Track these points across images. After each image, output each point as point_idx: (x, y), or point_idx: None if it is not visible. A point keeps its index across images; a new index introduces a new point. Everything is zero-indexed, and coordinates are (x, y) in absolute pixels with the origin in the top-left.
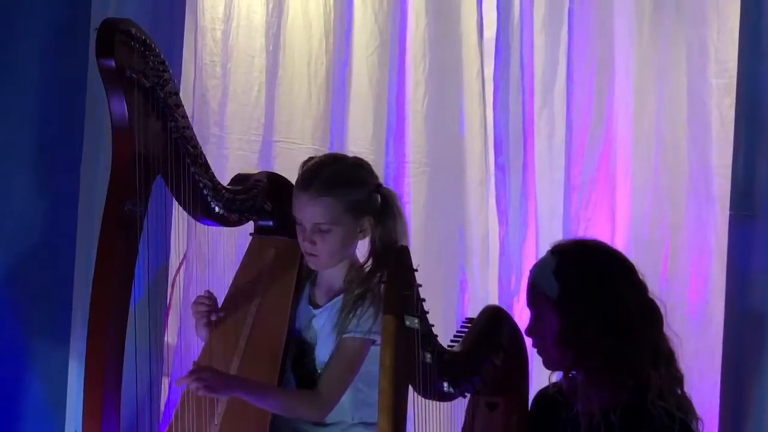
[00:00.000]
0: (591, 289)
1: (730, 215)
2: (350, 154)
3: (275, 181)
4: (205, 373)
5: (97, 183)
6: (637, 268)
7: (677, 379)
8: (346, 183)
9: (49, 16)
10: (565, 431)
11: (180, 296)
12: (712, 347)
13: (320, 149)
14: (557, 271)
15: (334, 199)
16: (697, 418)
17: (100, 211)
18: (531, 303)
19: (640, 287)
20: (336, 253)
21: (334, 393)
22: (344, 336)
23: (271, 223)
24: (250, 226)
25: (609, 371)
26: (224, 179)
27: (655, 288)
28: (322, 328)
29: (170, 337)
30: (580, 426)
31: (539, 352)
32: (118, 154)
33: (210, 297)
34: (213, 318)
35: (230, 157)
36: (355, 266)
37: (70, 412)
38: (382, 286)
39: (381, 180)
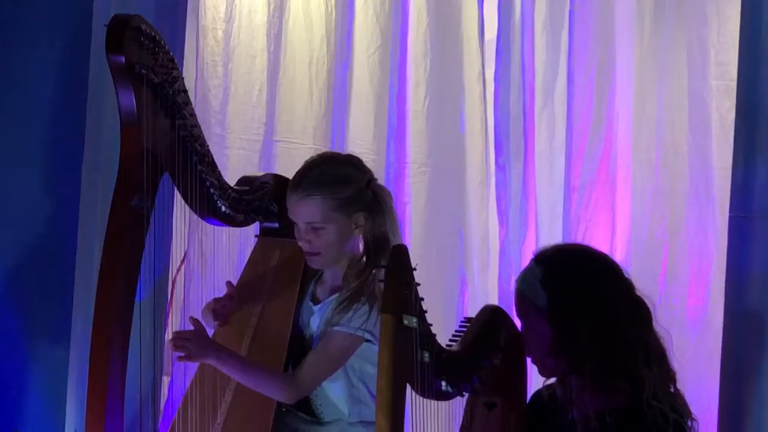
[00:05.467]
0: (579, 294)
1: (730, 217)
2: (348, 153)
3: (282, 183)
4: (190, 344)
5: (97, 183)
6: (623, 267)
7: (670, 376)
8: (334, 181)
9: (51, 16)
10: None
11: (181, 296)
12: (711, 348)
13: (321, 149)
14: (543, 280)
15: (322, 197)
16: (691, 418)
17: (102, 211)
18: (520, 313)
19: (628, 287)
20: (333, 250)
21: (310, 380)
22: (334, 329)
23: (276, 225)
24: (251, 228)
25: (603, 375)
26: (225, 178)
27: (654, 289)
28: (320, 325)
29: (170, 336)
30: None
31: (533, 361)
32: (126, 149)
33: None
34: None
35: (231, 157)
36: (355, 262)
37: (70, 411)
38: (378, 284)
39: (379, 177)
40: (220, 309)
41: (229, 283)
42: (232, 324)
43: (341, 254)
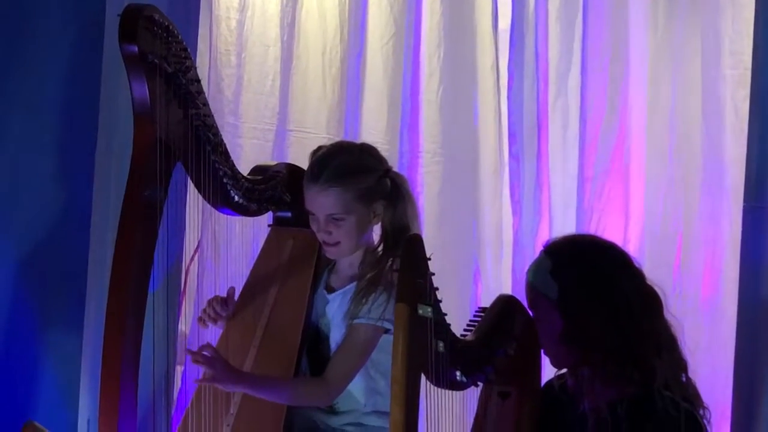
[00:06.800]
0: (589, 285)
1: (744, 207)
2: (362, 142)
3: (295, 172)
4: (218, 363)
5: (111, 171)
6: (633, 256)
7: (681, 366)
8: (354, 171)
9: (64, 5)
10: (572, 429)
11: (195, 285)
12: (725, 338)
13: (334, 139)
14: (554, 271)
15: (343, 188)
16: (703, 407)
17: (114, 200)
18: (531, 305)
19: (638, 276)
20: (353, 240)
21: (341, 379)
22: (355, 322)
23: (289, 214)
24: (264, 217)
25: (614, 364)
26: (238, 168)
27: (668, 280)
28: (335, 314)
29: (184, 325)
30: (587, 423)
31: (545, 353)
32: (139, 139)
33: (224, 300)
34: (219, 324)
35: (245, 146)
36: (370, 250)
37: (83, 401)
38: (395, 273)
39: (392, 164)
40: (218, 314)
41: (230, 290)
42: (246, 314)
43: (360, 244)
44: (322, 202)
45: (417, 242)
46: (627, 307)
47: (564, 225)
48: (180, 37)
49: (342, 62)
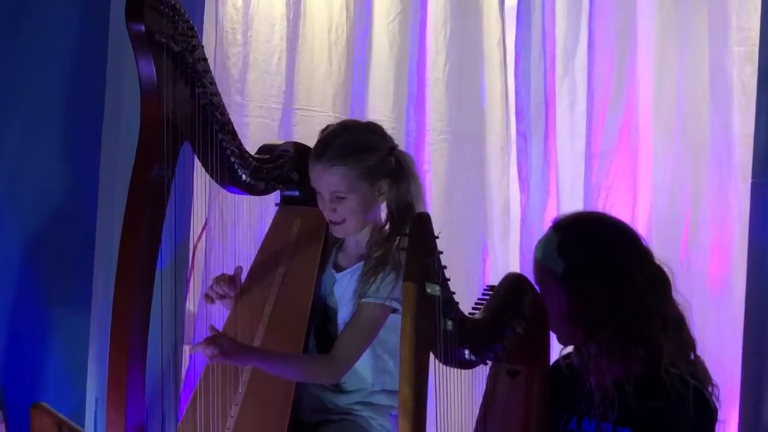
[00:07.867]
0: (596, 262)
1: (752, 184)
2: (369, 121)
3: (302, 151)
4: (221, 339)
5: (118, 150)
6: (641, 234)
7: (689, 344)
8: (358, 150)
9: None
10: (579, 408)
11: (201, 264)
12: (734, 316)
13: (340, 117)
14: (561, 248)
15: (347, 167)
16: (712, 384)
17: (121, 178)
18: (537, 281)
19: (645, 255)
20: (358, 218)
21: (348, 357)
22: (362, 301)
23: (297, 193)
24: (271, 196)
25: (620, 342)
26: (245, 147)
27: (675, 257)
28: (343, 293)
29: (192, 304)
30: (593, 401)
31: (552, 330)
32: (147, 118)
33: (231, 278)
34: (225, 302)
35: (251, 125)
36: (377, 229)
37: (91, 380)
38: (401, 252)
39: (398, 143)
40: (225, 292)
41: (237, 269)
42: (254, 293)
43: (365, 223)
44: (326, 180)
45: (425, 221)
46: (632, 285)
47: (571, 203)
48: (186, 15)
49: (348, 40)
